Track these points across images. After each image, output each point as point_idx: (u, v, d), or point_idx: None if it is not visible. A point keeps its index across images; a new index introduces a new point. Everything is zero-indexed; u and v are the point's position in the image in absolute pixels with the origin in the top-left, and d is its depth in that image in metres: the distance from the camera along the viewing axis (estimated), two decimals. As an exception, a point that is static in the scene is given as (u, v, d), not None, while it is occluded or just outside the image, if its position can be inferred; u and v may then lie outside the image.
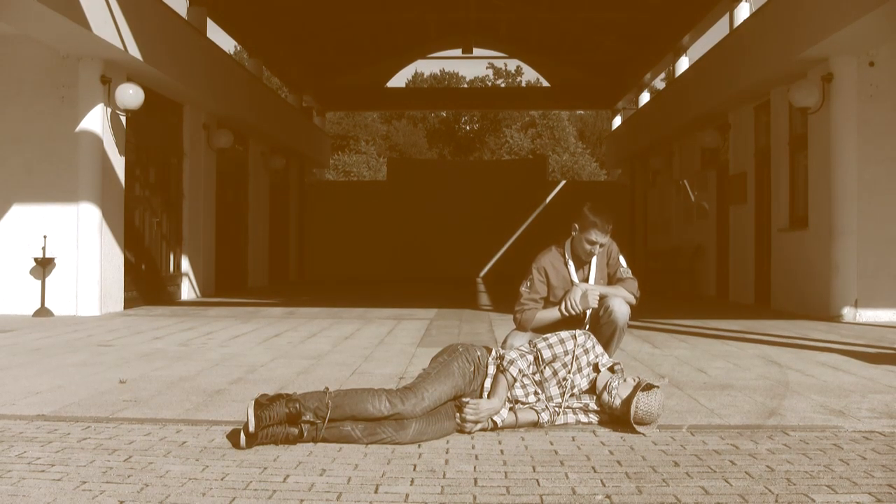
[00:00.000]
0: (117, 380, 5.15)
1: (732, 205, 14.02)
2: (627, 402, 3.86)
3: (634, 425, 3.82)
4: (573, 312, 4.69)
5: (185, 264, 13.57)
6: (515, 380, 3.86)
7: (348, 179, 42.83)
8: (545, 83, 27.34)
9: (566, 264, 4.82)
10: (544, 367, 3.94)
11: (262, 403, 3.51)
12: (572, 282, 4.79)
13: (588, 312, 4.73)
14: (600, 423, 3.96)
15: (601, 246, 4.71)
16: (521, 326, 4.85)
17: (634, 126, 20.96)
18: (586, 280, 4.82)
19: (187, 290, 13.56)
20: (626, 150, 21.90)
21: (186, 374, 5.47)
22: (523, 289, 4.84)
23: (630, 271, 4.89)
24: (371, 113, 49.18)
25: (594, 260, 4.82)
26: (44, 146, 10.30)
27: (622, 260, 4.89)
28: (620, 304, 4.71)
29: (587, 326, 4.75)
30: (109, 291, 10.51)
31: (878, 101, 10.13)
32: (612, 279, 4.89)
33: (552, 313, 4.77)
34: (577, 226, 4.75)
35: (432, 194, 24.00)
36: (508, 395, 3.86)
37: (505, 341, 4.87)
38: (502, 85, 51.48)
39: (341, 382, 5.07)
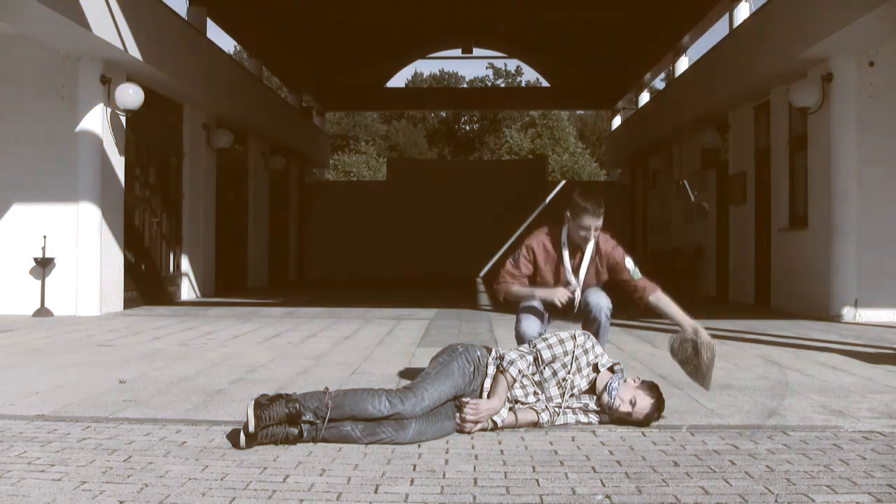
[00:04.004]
0: (117, 380, 5.15)
1: (732, 205, 14.01)
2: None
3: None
4: (556, 304, 4.67)
5: (185, 264, 13.57)
6: (515, 380, 3.86)
7: (348, 179, 42.82)
8: (545, 83, 27.34)
9: (560, 248, 4.77)
10: (544, 368, 3.93)
11: (261, 403, 3.51)
12: (561, 263, 4.76)
13: (576, 298, 4.71)
14: (600, 423, 3.96)
15: (596, 230, 4.67)
16: (496, 294, 4.89)
17: (634, 126, 20.96)
18: (577, 268, 4.77)
19: (187, 290, 13.56)
20: (625, 150, 21.90)
21: (186, 374, 5.47)
22: (508, 262, 4.86)
23: (639, 273, 4.74)
24: (371, 113, 49.16)
25: (588, 251, 4.76)
26: (44, 146, 10.29)
27: (629, 262, 4.75)
28: (599, 297, 4.72)
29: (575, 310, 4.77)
30: (109, 291, 10.50)
31: (878, 101, 10.12)
32: (622, 282, 4.79)
33: (528, 291, 4.77)
34: (568, 213, 4.72)
35: (432, 194, 23.99)
36: (508, 395, 3.86)
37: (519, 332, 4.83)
38: (502, 85, 51.49)
39: (341, 382, 5.07)
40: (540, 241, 4.83)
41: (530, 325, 4.78)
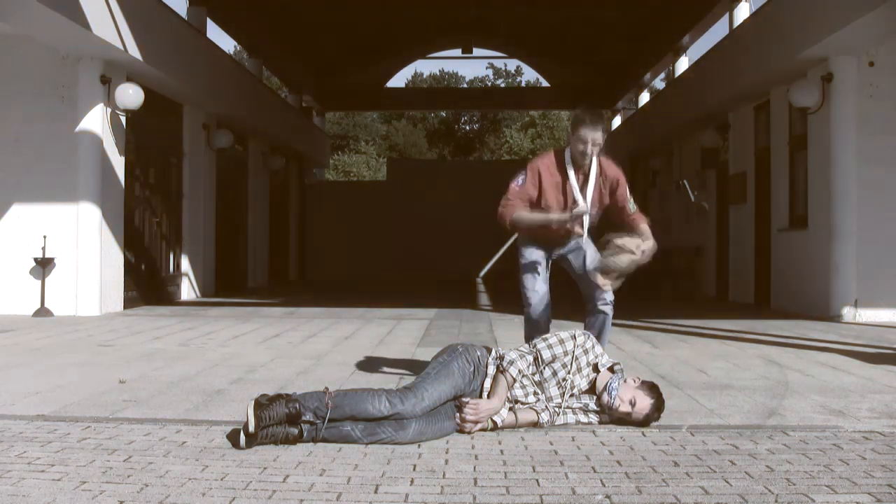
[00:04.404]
0: (117, 380, 5.15)
1: (732, 205, 14.01)
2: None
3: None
4: (565, 220, 4.67)
5: (185, 264, 13.56)
6: (515, 380, 3.86)
7: (348, 179, 42.81)
8: (545, 83, 27.34)
9: (565, 168, 4.77)
10: (544, 368, 3.93)
11: (261, 403, 3.51)
12: (567, 183, 4.75)
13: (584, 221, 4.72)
14: (600, 423, 3.96)
15: (594, 144, 4.66)
16: (500, 218, 4.84)
17: (634, 126, 20.95)
18: (583, 188, 4.77)
19: (187, 290, 13.56)
20: (626, 150, 21.89)
21: (186, 374, 5.47)
22: (514, 185, 4.81)
23: (637, 209, 4.84)
24: (371, 113, 49.13)
25: (593, 175, 4.76)
26: (44, 146, 10.28)
27: (629, 194, 4.83)
28: (606, 292, 4.75)
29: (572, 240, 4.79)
30: (109, 291, 10.50)
31: (877, 101, 10.12)
32: (618, 210, 4.85)
33: (542, 217, 4.74)
34: (569, 129, 4.75)
35: (432, 194, 23.98)
36: (508, 395, 3.86)
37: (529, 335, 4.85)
38: (502, 85, 51.45)
39: (341, 382, 5.07)
40: (545, 163, 4.82)
41: (542, 300, 4.83)
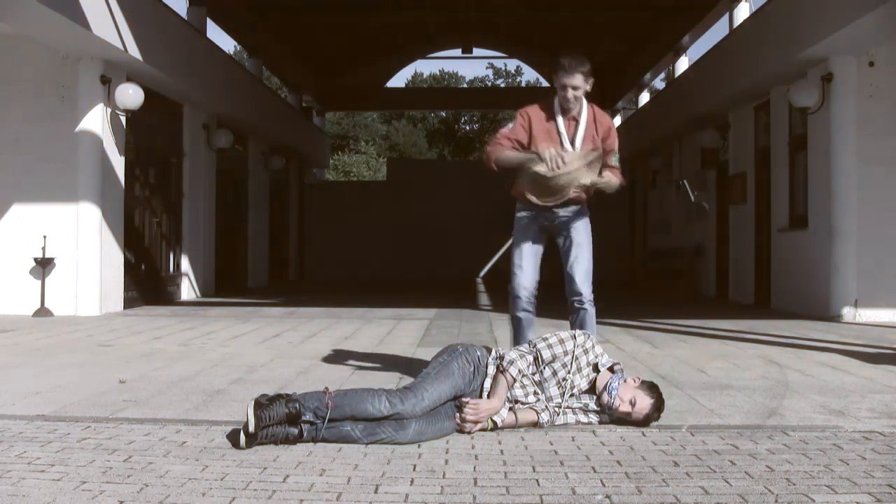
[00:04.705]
0: (117, 380, 5.15)
1: (732, 205, 14.01)
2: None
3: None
4: (545, 160, 4.59)
5: (185, 264, 13.56)
6: (515, 380, 3.86)
7: (348, 179, 42.81)
8: (545, 83, 27.34)
9: (554, 115, 4.80)
10: (544, 368, 3.93)
11: (261, 403, 3.51)
12: (556, 130, 4.77)
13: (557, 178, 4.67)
14: (600, 423, 3.96)
15: (574, 89, 4.67)
16: (487, 160, 4.88)
17: (634, 126, 20.95)
18: (573, 138, 4.78)
19: (187, 290, 13.56)
20: (625, 149, 21.89)
21: (186, 374, 5.47)
22: (504, 129, 4.89)
23: (619, 163, 4.89)
24: (371, 113, 49.13)
25: (583, 121, 4.78)
26: (44, 146, 10.28)
27: (616, 147, 4.86)
28: (585, 286, 4.77)
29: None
30: (109, 291, 10.50)
31: (877, 101, 10.12)
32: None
33: (523, 156, 4.73)
34: (554, 77, 4.78)
35: (432, 194, 23.98)
36: (508, 395, 3.86)
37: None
38: (502, 85, 51.46)
39: (341, 382, 5.07)
40: (535, 109, 4.87)
41: (526, 275, 4.84)
